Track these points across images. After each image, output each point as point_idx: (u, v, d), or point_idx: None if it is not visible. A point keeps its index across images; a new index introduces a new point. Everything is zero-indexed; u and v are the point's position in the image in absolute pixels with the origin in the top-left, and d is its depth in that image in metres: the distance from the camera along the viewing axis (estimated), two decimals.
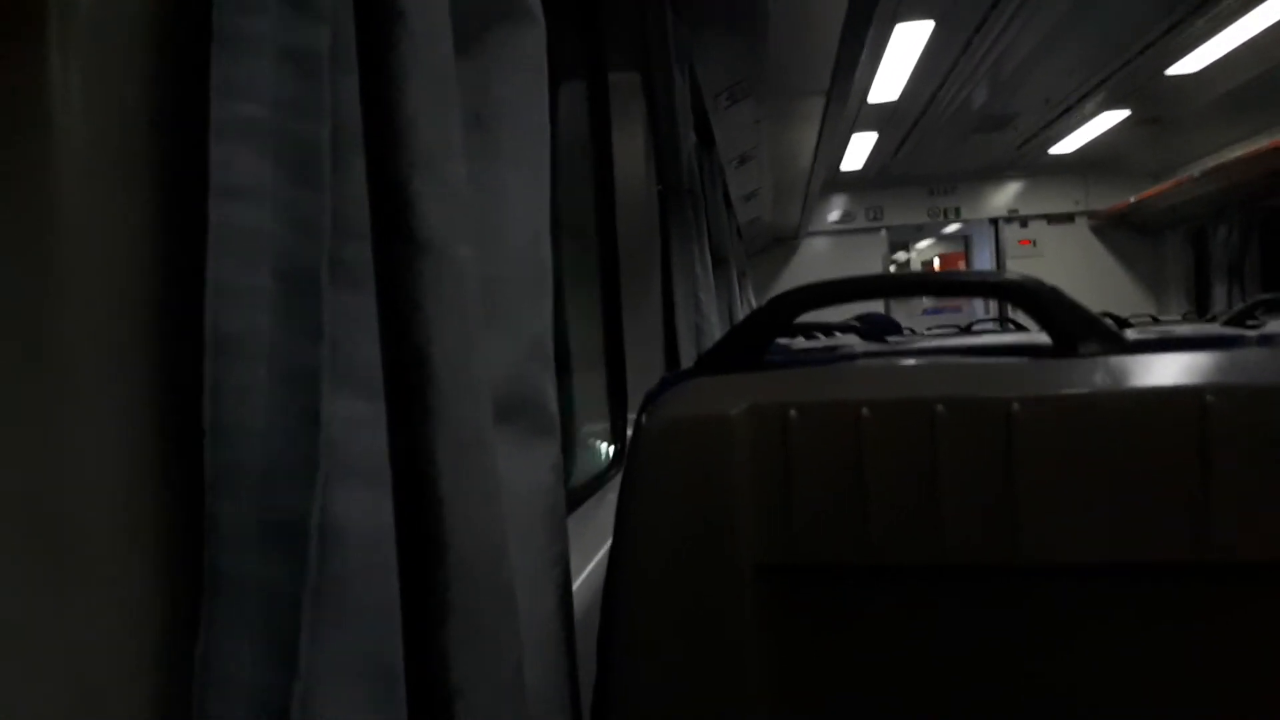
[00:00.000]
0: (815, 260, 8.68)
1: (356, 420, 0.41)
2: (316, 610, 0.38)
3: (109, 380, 0.37)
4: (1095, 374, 0.61)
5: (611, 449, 1.98)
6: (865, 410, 0.61)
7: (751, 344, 0.75)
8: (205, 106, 0.38)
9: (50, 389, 0.35)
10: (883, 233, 8.81)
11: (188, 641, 0.36)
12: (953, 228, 9.89)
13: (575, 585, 0.70)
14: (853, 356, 0.89)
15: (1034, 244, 8.62)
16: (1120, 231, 8.28)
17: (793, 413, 0.62)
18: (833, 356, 0.90)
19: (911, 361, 0.71)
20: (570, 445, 1.78)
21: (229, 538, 0.36)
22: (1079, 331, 0.67)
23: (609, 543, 0.66)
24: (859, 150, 7.18)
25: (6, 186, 0.35)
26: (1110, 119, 6.54)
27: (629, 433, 2.15)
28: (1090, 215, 8.47)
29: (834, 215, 8.80)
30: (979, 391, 0.60)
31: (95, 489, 0.36)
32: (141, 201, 0.39)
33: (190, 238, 0.38)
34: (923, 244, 11.78)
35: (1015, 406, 0.59)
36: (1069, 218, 8.55)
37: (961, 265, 10.78)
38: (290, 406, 0.37)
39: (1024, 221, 8.67)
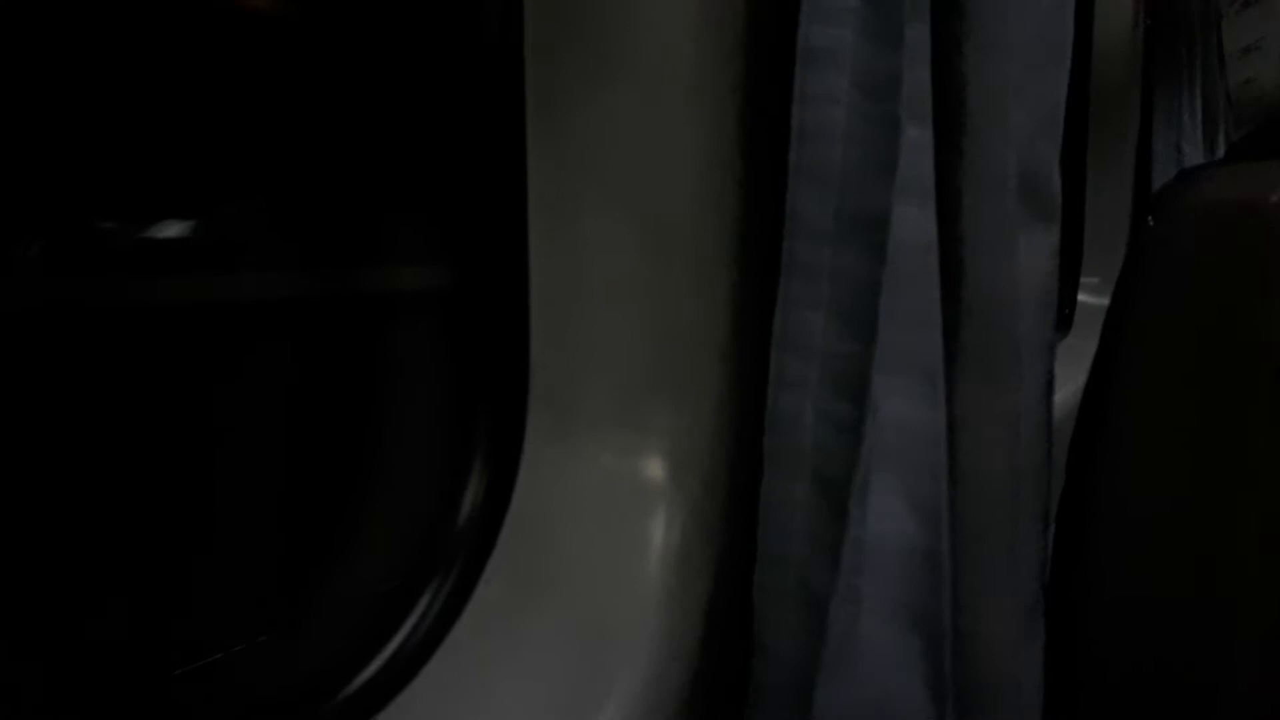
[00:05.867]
0: None
1: (912, 143, 0.43)
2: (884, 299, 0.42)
3: (697, 87, 0.43)
4: None
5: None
6: None
7: None
8: None
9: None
10: None
11: (760, 314, 0.42)
12: None
13: None
14: None
15: None
16: None
17: None
18: None
19: None
20: None
21: (807, 228, 0.41)
22: None
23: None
24: None
25: None
26: None
27: (1080, 298, 1.98)
28: None
29: None
30: None
31: (686, 178, 0.42)
32: None
33: None
34: None
35: None
36: None
37: None
38: (870, 111, 0.41)
39: None
